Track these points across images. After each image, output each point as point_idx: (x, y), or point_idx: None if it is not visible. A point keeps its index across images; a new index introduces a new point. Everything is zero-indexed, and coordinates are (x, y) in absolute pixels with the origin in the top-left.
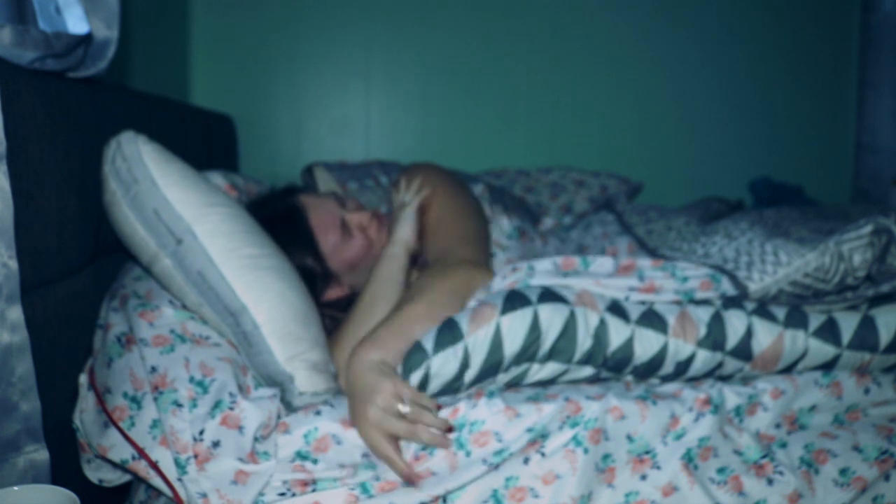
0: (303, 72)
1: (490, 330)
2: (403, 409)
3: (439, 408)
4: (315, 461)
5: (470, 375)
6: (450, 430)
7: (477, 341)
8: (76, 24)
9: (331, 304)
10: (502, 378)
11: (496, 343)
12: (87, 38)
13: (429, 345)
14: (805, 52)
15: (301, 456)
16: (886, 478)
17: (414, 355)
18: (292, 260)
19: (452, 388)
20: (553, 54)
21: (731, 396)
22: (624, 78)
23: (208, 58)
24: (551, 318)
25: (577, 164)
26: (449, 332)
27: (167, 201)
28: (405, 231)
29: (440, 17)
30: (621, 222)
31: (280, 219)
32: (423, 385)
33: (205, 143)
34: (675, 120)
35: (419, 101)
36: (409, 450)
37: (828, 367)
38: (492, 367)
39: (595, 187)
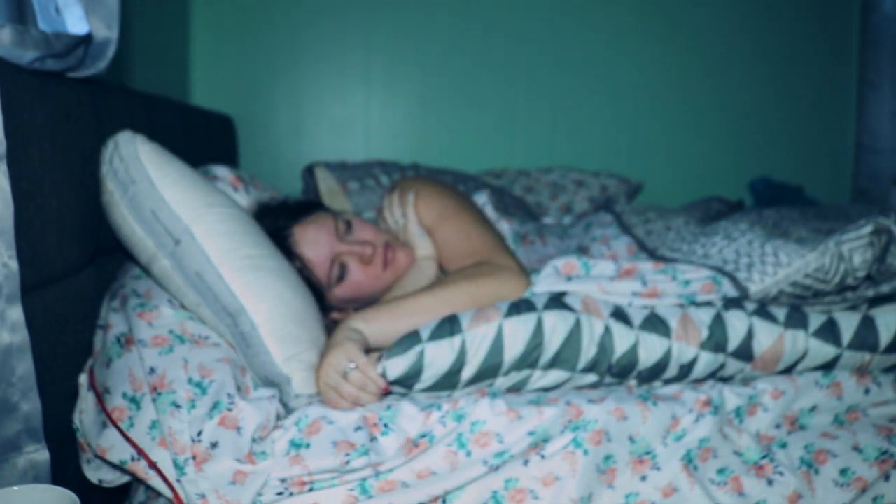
0: (303, 72)
1: (491, 331)
2: (350, 366)
3: (387, 392)
4: (308, 445)
5: (467, 374)
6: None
7: (476, 338)
8: (76, 24)
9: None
10: (502, 382)
11: (497, 345)
12: (87, 38)
13: (425, 333)
14: (805, 52)
15: (295, 445)
16: (886, 478)
17: (406, 339)
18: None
19: (449, 383)
20: (553, 54)
21: (731, 397)
22: (624, 78)
23: (208, 58)
24: (555, 326)
25: (577, 164)
26: (448, 325)
27: (165, 202)
28: (427, 245)
29: (440, 18)
30: (620, 223)
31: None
32: (416, 373)
33: (205, 143)
34: (675, 120)
35: (419, 101)
36: (409, 433)
37: (828, 367)
38: (490, 368)
39: (595, 187)
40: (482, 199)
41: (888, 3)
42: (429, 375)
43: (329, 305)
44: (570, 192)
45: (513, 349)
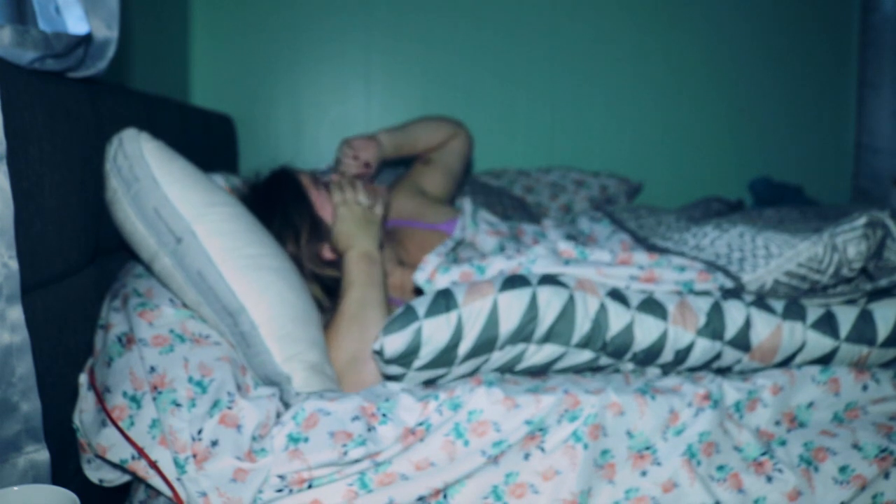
0: (303, 72)
1: (487, 305)
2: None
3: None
4: (307, 440)
5: (464, 348)
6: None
7: (472, 313)
8: (76, 24)
9: (332, 264)
10: (497, 356)
11: (492, 319)
12: (87, 38)
13: (421, 309)
14: (805, 52)
15: (293, 439)
16: (886, 475)
17: (403, 315)
18: (295, 218)
19: (446, 359)
20: (553, 54)
21: (731, 391)
22: (624, 78)
23: (208, 58)
24: (550, 300)
25: (577, 164)
26: (443, 301)
27: (168, 200)
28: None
29: (440, 18)
30: (613, 219)
31: (278, 182)
32: (414, 350)
33: (205, 143)
34: (675, 120)
35: (419, 101)
36: (408, 423)
37: (826, 360)
38: (487, 342)
39: (595, 187)
40: (468, 207)
41: (888, 3)
42: (427, 352)
43: (321, 242)
44: (570, 193)
45: (508, 322)
